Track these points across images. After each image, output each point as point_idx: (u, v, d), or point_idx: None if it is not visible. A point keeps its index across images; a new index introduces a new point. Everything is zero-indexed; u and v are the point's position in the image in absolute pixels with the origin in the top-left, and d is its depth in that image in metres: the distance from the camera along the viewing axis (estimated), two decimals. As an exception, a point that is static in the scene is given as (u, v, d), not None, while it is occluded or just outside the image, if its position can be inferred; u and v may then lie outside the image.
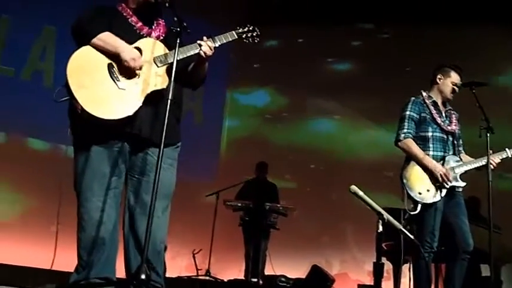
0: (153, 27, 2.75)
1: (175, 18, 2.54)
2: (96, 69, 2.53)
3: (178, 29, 2.53)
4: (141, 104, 2.53)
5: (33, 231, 5.88)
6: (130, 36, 2.63)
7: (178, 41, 2.53)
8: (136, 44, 2.62)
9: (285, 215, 5.98)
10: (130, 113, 2.50)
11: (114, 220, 2.60)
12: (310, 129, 8.14)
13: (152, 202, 2.34)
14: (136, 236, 2.60)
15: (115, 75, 2.53)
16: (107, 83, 2.52)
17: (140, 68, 2.58)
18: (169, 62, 2.61)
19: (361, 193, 2.35)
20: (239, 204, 6.00)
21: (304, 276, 5.74)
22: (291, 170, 7.85)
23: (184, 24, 2.53)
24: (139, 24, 2.70)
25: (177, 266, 6.64)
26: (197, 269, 6.13)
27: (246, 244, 6.30)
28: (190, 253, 6.28)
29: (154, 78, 2.59)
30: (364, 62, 7.94)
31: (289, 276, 5.72)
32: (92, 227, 2.53)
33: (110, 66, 2.54)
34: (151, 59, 2.62)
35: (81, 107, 2.44)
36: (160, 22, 2.79)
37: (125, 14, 2.71)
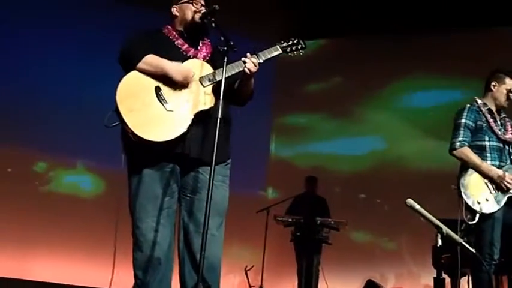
0: (199, 47, 2.79)
1: (222, 38, 2.57)
2: (144, 92, 2.57)
3: (225, 48, 2.55)
4: (189, 125, 2.56)
5: (92, 251, 6.10)
6: (177, 58, 2.67)
7: (225, 60, 2.55)
8: (184, 64, 2.65)
9: (337, 229, 5.90)
10: (179, 134, 2.53)
11: (169, 239, 2.64)
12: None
13: (206, 220, 2.36)
14: (191, 254, 2.61)
15: (162, 98, 2.57)
16: (155, 105, 2.56)
17: (187, 84, 2.61)
18: (217, 80, 2.64)
19: (417, 206, 2.28)
20: (290, 220, 5.97)
21: (359, 291, 5.64)
22: (341, 183, 7.74)
23: (231, 43, 2.56)
24: (186, 46, 2.75)
25: (229, 283, 6.65)
26: (250, 286, 6.12)
27: (298, 259, 6.24)
28: (243, 270, 6.28)
29: (203, 97, 2.62)
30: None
31: (343, 291, 5.64)
32: (148, 247, 2.57)
33: (157, 89, 2.58)
34: (198, 79, 2.65)
35: (131, 130, 2.49)
36: (206, 42, 2.83)
37: (170, 36, 2.76)
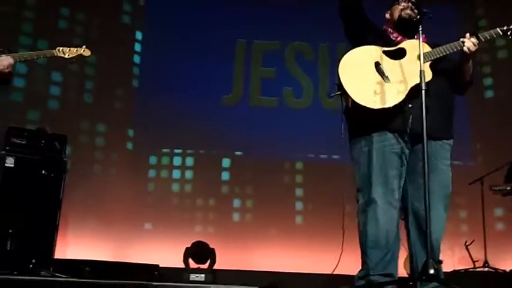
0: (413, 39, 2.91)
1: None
2: (364, 66, 2.78)
3: (418, 17, 2.70)
4: (405, 96, 2.66)
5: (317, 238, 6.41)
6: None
7: (420, 29, 2.67)
8: (401, 45, 2.83)
9: None
10: (396, 103, 2.65)
11: (397, 220, 2.71)
12: None
13: (426, 201, 2.41)
14: (422, 235, 2.65)
15: (382, 72, 2.73)
16: (375, 78, 2.73)
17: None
18: (434, 57, 2.76)
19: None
20: (508, 188, 5.53)
21: None
22: None
23: (424, 10, 2.65)
24: (399, 37, 2.92)
25: (449, 259, 6.39)
26: (473, 261, 5.81)
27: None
28: (461, 245, 6.00)
29: (419, 73, 2.66)
30: None
31: None
32: (377, 227, 2.65)
33: (376, 64, 2.75)
34: (416, 58, 2.72)
35: (352, 100, 2.70)
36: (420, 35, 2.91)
37: (388, 32, 3.00)
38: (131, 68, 7.41)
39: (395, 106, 2.65)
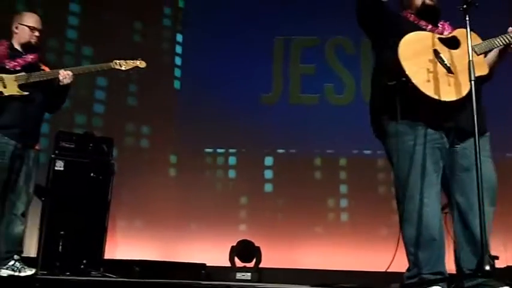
0: (439, 27, 2.82)
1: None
2: (424, 54, 2.61)
3: (465, 6, 2.50)
4: (466, 91, 2.51)
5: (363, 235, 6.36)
6: None
7: (467, 19, 2.51)
8: (454, 33, 2.72)
9: None
10: (459, 97, 2.52)
11: (439, 217, 2.61)
12: None
13: (480, 197, 2.29)
14: (467, 233, 2.57)
15: (443, 61, 2.59)
16: (437, 67, 2.58)
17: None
18: (489, 49, 2.69)
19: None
20: None
21: None
22: None
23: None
24: (430, 26, 2.79)
25: (502, 255, 6.20)
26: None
27: None
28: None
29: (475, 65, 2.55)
30: None
31: None
32: (420, 224, 2.55)
33: (435, 52, 2.62)
34: (466, 48, 2.57)
35: (411, 89, 2.51)
36: (444, 23, 2.84)
37: (411, 19, 2.84)
38: (172, 70, 7.51)
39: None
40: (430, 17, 2.81)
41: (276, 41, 7.55)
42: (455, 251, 2.65)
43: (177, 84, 7.51)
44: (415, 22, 2.80)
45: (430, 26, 2.78)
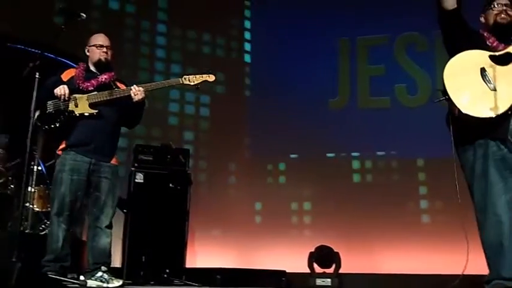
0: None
1: None
2: (469, 72, 2.79)
3: None
4: (510, 106, 2.65)
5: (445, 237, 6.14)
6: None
7: None
8: (508, 49, 2.82)
9: None
10: (500, 112, 2.65)
11: (509, 222, 2.70)
12: None
13: None
14: None
15: (487, 78, 2.73)
16: (479, 84, 2.74)
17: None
18: None
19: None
20: None
21: None
22: None
23: None
24: (495, 43, 2.90)
25: None
26: None
27: None
28: None
29: None
30: None
31: None
32: (493, 233, 2.68)
33: (482, 70, 2.76)
34: None
35: (458, 108, 2.70)
36: None
37: (484, 35, 2.96)
38: (243, 79, 7.59)
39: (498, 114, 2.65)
40: (503, 34, 2.92)
41: (340, 42, 7.42)
42: None
43: (247, 93, 7.59)
44: (485, 39, 2.93)
45: (495, 43, 2.90)
